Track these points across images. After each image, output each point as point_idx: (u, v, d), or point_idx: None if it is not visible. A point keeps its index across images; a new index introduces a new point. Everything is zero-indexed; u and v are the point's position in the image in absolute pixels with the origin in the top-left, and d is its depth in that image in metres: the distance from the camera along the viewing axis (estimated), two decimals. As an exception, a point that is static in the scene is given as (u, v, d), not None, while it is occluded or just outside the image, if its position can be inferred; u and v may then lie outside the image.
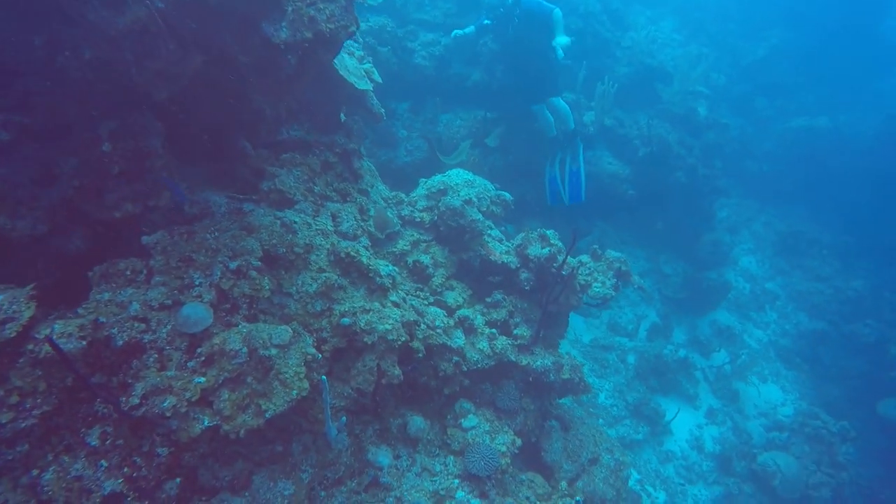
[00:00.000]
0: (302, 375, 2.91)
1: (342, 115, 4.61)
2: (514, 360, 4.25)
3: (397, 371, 3.36)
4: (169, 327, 2.69)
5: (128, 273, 2.75)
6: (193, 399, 2.57)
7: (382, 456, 3.74)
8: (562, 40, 6.14)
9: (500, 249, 4.75)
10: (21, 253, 2.87)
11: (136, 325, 2.62)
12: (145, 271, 2.81)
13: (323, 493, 3.45)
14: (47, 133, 2.80)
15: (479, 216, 4.71)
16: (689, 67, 8.45)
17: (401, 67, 7.31)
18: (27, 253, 2.88)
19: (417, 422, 3.93)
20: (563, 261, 4.26)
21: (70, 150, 2.83)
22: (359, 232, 4.06)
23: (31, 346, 2.26)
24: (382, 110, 4.88)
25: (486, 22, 6.72)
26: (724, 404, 7.97)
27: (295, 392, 2.84)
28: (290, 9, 2.41)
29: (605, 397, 7.34)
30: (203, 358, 2.67)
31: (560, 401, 5.19)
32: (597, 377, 7.53)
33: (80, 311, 2.58)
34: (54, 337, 2.28)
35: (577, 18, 8.54)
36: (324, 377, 2.83)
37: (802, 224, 10.72)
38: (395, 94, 7.64)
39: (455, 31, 6.97)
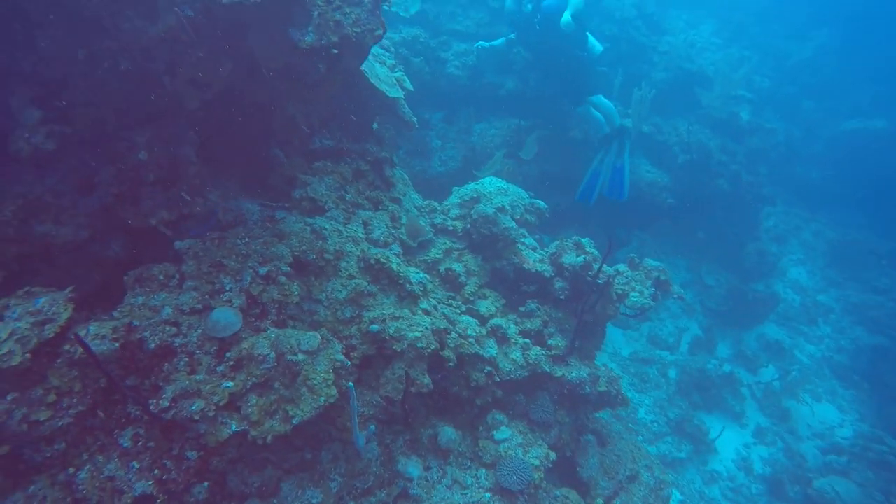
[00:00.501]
0: (330, 382, 2.89)
1: (374, 123, 4.64)
2: (548, 370, 4.13)
3: (427, 380, 3.30)
4: (199, 331, 2.72)
5: (160, 278, 2.80)
6: (221, 403, 2.58)
7: (412, 467, 3.67)
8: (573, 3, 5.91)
9: (533, 258, 4.66)
10: (63, 259, 2.97)
11: (167, 328, 2.66)
12: (178, 276, 2.86)
13: (352, 503, 3.41)
14: (87, 142, 2.90)
15: (513, 224, 4.63)
16: (731, 70, 8.18)
17: (434, 77, 7.34)
18: (68, 259, 2.98)
19: (448, 433, 3.85)
20: (599, 269, 4.13)
21: (108, 159, 2.92)
22: (390, 239, 4.04)
23: (67, 347, 2.31)
24: (414, 118, 4.88)
25: (511, 36, 6.70)
26: (774, 423, 7.56)
27: (322, 399, 2.82)
28: (315, 13, 2.43)
29: (645, 413, 7.07)
30: (232, 363, 2.68)
31: (597, 415, 5.01)
32: (636, 392, 7.27)
33: (115, 314, 2.63)
34: (89, 339, 2.33)
35: (613, 24, 8.42)
36: (350, 384, 2.79)
37: (857, 232, 10.16)
38: (429, 104, 7.68)
39: (480, 42, 6.95)
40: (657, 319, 8.17)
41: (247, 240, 3.07)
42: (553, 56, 6.51)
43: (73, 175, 2.96)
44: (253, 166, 3.89)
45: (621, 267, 4.79)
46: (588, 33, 6.40)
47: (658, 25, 9.07)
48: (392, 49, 4.97)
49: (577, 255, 4.45)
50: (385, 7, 7.15)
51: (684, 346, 8.03)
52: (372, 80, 4.04)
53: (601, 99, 6.74)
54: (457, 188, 5.16)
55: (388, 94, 4.19)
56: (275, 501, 3.07)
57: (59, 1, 2.32)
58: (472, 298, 4.36)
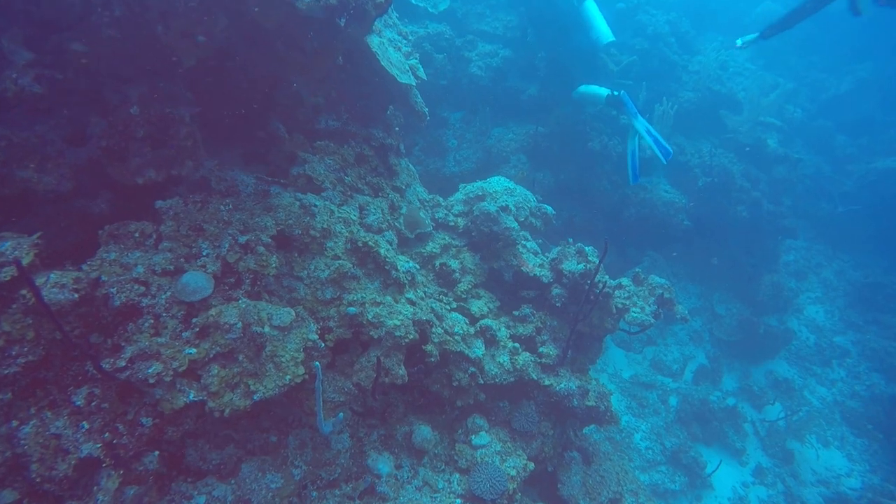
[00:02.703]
0: (299, 361, 2.77)
1: (389, 111, 4.55)
2: (535, 378, 3.96)
3: (402, 371, 3.16)
4: (168, 294, 2.62)
5: (136, 235, 2.71)
6: (181, 370, 2.47)
7: (383, 463, 3.53)
8: None
9: (533, 262, 4.50)
10: (45, 209, 2.91)
11: (135, 287, 2.56)
12: (155, 235, 2.77)
13: (315, 494, 3.26)
14: (80, 92, 2.84)
15: (515, 225, 4.48)
16: (761, 95, 7.95)
17: (456, 75, 7.26)
18: (50, 210, 2.92)
19: (424, 432, 3.70)
20: (594, 275, 3.96)
21: (100, 112, 2.86)
22: (384, 227, 3.92)
23: (24, 293, 2.23)
24: (426, 109, 4.78)
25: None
26: (776, 464, 7.23)
27: (288, 377, 2.70)
28: (315, -28, 2.35)
29: (641, 438, 6.81)
30: (197, 329, 2.58)
31: (586, 432, 4.81)
32: (634, 416, 7.02)
33: (84, 267, 2.55)
34: (48, 287, 2.24)
35: (644, 40, 8.26)
36: (317, 364, 2.67)
37: (882, 276, 9.75)
38: (449, 103, 7.59)
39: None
40: (662, 344, 7.92)
41: (230, 207, 2.97)
42: (558, 37, 6.42)
43: (65, 125, 2.90)
44: (254, 139, 3.81)
45: (624, 281, 4.61)
46: (598, 17, 6.26)
47: (690, 45, 8.90)
48: (411, 38, 4.88)
49: (578, 263, 4.28)
50: (413, 2, 7.16)
51: (688, 374, 7.75)
52: (383, 63, 3.95)
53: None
54: (463, 185, 5.04)
55: (398, 78, 4.09)
56: (233, 482, 2.94)
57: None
58: (464, 296, 4.21)
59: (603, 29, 6.31)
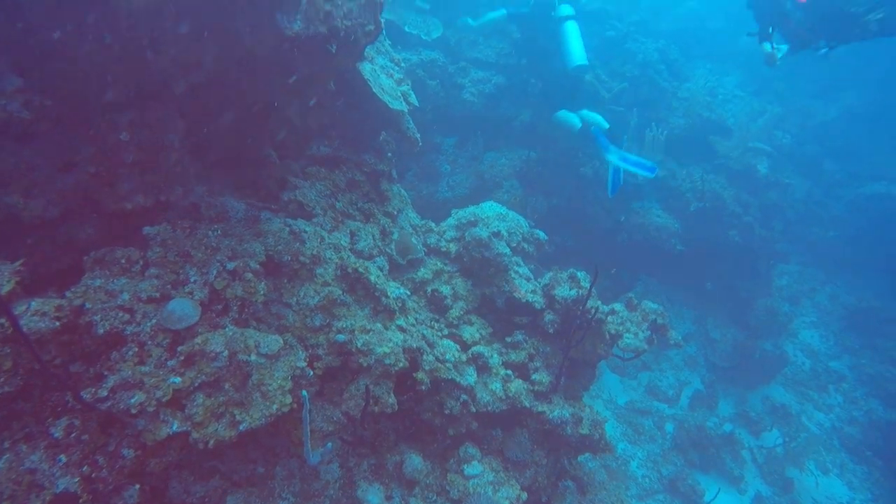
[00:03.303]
0: (286, 390, 2.72)
1: (382, 135, 4.57)
2: (528, 406, 3.90)
3: (392, 399, 3.11)
4: (154, 321, 2.58)
5: (122, 262, 2.68)
6: (164, 399, 2.42)
7: (373, 494, 3.44)
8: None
9: (525, 287, 4.48)
10: (31, 234, 2.88)
11: (120, 314, 2.52)
12: (141, 262, 2.74)
13: (302, 527, 3.18)
14: (70, 118, 2.84)
15: (507, 251, 4.47)
16: (749, 120, 8.07)
17: (449, 102, 7.33)
18: (37, 235, 2.89)
19: (416, 461, 3.62)
20: (586, 300, 3.94)
21: (89, 137, 2.85)
22: (375, 252, 3.91)
23: (2, 321, 2.18)
24: (418, 135, 4.80)
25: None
26: (776, 492, 7.11)
27: (275, 406, 2.64)
28: (304, 0, 2.37)
29: (637, 466, 6.70)
30: (182, 357, 2.53)
31: (581, 459, 4.73)
32: (630, 443, 6.92)
33: (68, 294, 2.51)
34: (28, 314, 2.20)
35: (634, 66, 8.40)
36: (304, 392, 2.62)
37: (876, 300, 9.76)
38: (442, 129, 7.66)
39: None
40: (657, 369, 7.86)
41: (219, 233, 2.95)
42: (544, 63, 6.53)
43: (54, 151, 2.89)
44: (245, 165, 3.82)
45: (618, 306, 4.58)
46: (573, 40, 6.32)
47: (680, 72, 9.05)
48: (404, 64, 4.93)
49: (571, 289, 4.26)
50: (406, 29, 7.27)
51: (684, 399, 7.68)
52: (375, 90, 3.98)
53: (569, 115, 6.57)
54: (456, 210, 5.04)
55: (390, 105, 4.12)
56: (216, 515, 2.86)
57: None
58: (456, 323, 4.17)
59: (575, 52, 6.30)
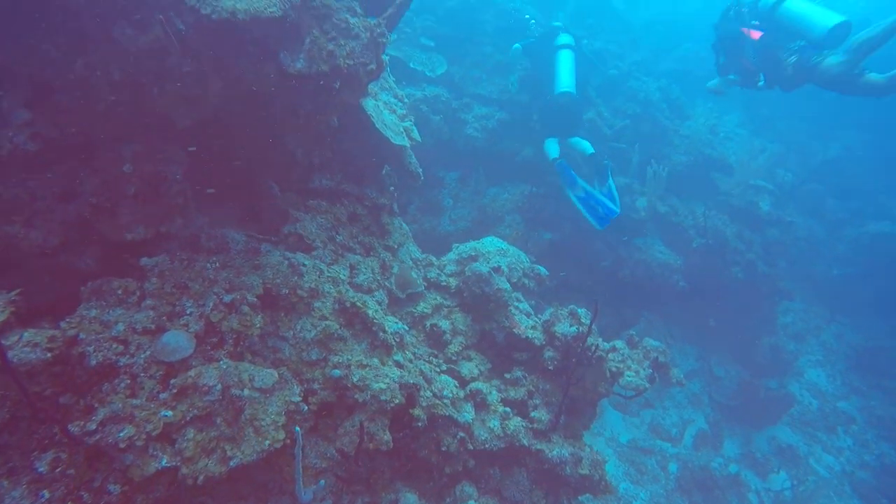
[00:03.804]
0: (280, 425, 2.67)
1: (384, 171, 4.62)
2: (526, 444, 3.82)
3: (387, 436, 3.04)
4: (148, 353, 2.56)
5: (119, 292, 2.68)
6: (154, 433, 2.38)
7: (366, 535, 3.34)
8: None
9: (525, 323, 4.44)
10: (30, 264, 2.89)
11: (114, 346, 2.51)
12: (138, 293, 2.73)
13: (291, 569, 3.08)
14: (76, 151, 2.89)
15: (507, 286, 4.45)
16: (750, 158, 8.14)
17: (452, 137, 7.44)
18: (36, 265, 2.90)
19: (410, 500, 3.52)
20: (586, 336, 3.89)
21: (93, 169, 2.90)
22: (374, 286, 3.90)
23: (-6, 352, 2.17)
24: (420, 170, 4.85)
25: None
26: (784, 538, 6.89)
27: (268, 442, 2.60)
28: (307, 40, 2.43)
29: (640, 508, 6.51)
30: (175, 390, 2.50)
31: (583, 499, 4.59)
32: (632, 483, 6.74)
33: (62, 325, 2.50)
34: (20, 345, 2.19)
35: (636, 105, 8.52)
36: (297, 429, 2.57)
37: (883, 339, 9.62)
38: (445, 163, 7.74)
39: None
40: (661, 407, 7.71)
41: (217, 265, 2.95)
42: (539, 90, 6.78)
43: (58, 181, 2.93)
44: (247, 198, 3.85)
45: (619, 343, 4.53)
46: (564, 69, 6.43)
47: (682, 109, 9.17)
48: (407, 100, 5.02)
49: (571, 325, 4.22)
50: (411, 66, 7.43)
51: (688, 438, 7.50)
52: (378, 125, 4.04)
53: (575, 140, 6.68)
54: (457, 245, 5.05)
55: (392, 140, 4.18)
56: (203, 555, 2.78)
57: (65, 7, 2.36)
58: (455, 358, 4.13)
59: (564, 79, 6.38)
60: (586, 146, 6.48)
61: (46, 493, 2.26)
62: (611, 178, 6.37)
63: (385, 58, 4.90)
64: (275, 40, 2.38)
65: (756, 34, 5.36)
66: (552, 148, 6.52)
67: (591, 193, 6.11)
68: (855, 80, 4.82)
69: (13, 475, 2.24)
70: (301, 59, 2.44)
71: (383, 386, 3.04)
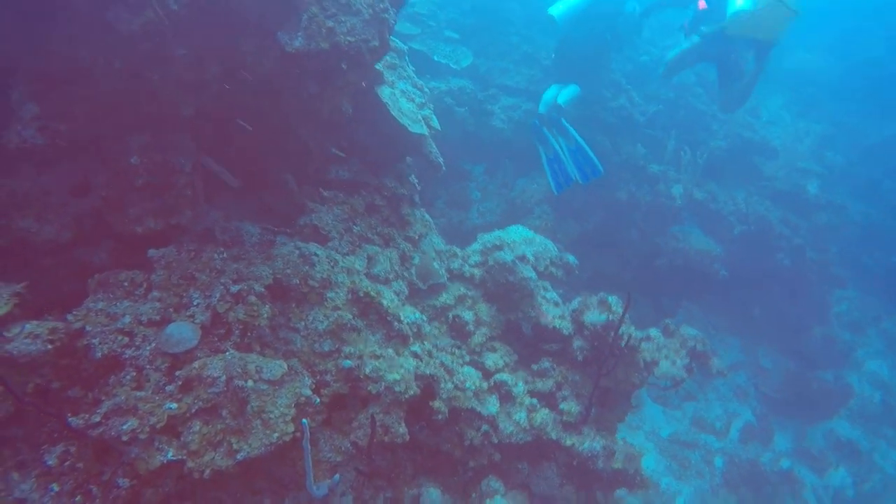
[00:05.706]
0: (289, 418, 2.58)
1: (408, 158, 4.52)
2: (555, 437, 3.63)
3: (402, 429, 2.92)
4: (153, 345, 2.51)
5: (126, 284, 2.65)
6: (159, 426, 2.32)
7: (388, 532, 3.23)
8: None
9: (553, 313, 4.24)
10: (43, 259, 2.90)
11: (119, 338, 2.47)
12: (145, 285, 2.70)
13: (309, 567, 2.99)
14: (83, 143, 2.88)
15: (533, 275, 4.27)
16: (796, 140, 7.67)
17: (478, 129, 7.29)
18: (49, 260, 2.91)
19: (433, 495, 3.40)
20: (618, 326, 3.68)
21: (101, 162, 2.88)
22: (391, 276, 3.79)
23: (-3, 343, 2.15)
24: (441, 159, 4.72)
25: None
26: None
27: (276, 435, 2.51)
28: (305, 17, 2.33)
29: (684, 503, 6.19)
30: (180, 382, 2.45)
31: (619, 494, 4.36)
32: (675, 478, 6.42)
33: (69, 317, 2.48)
34: (21, 337, 2.16)
35: (669, 89, 8.17)
36: (304, 421, 2.48)
37: (950, 329, 8.93)
38: (471, 155, 7.60)
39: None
40: (703, 399, 7.35)
41: (225, 256, 2.90)
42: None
43: (70, 176, 2.93)
44: (262, 190, 3.81)
45: (653, 332, 4.27)
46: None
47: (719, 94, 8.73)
48: (427, 91, 4.89)
49: (601, 314, 4.01)
50: (435, 59, 7.31)
51: (734, 432, 7.12)
52: (394, 113, 3.94)
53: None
54: (482, 234, 4.89)
55: (410, 128, 4.06)
56: (217, 551, 2.72)
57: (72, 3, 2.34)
58: (478, 350, 3.98)
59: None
60: (573, 90, 6.24)
61: (56, 487, 2.23)
62: (572, 130, 6.03)
63: (404, 47, 4.81)
64: (272, 19, 2.29)
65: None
66: (547, 96, 6.25)
67: (567, 152, 5.81)
68: None
69: (23, 468, 2.23)
70: (299, 37, 2.34)
71: (397, 377, 2.93)
